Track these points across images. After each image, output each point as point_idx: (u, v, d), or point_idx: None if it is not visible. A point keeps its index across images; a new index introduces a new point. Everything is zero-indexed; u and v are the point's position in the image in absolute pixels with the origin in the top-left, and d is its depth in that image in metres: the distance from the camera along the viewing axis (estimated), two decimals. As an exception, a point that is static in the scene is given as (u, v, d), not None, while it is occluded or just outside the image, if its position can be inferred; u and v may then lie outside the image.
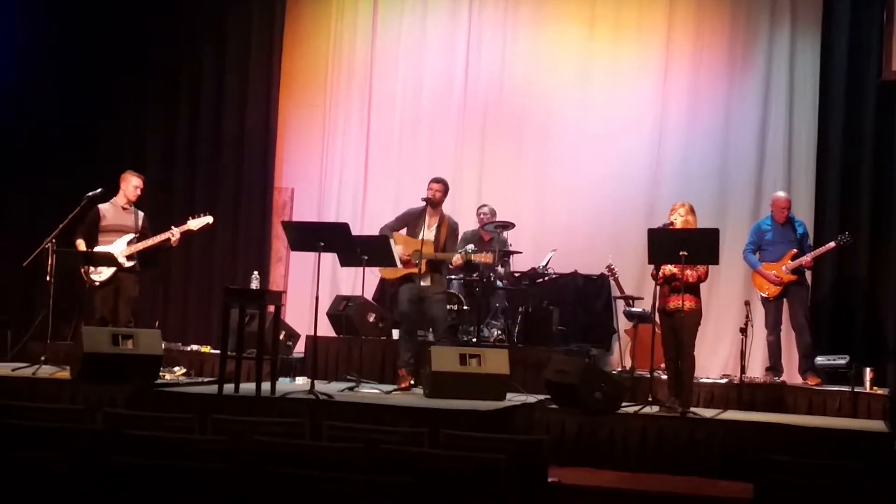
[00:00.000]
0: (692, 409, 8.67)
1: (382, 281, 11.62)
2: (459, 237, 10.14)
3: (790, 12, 11.53)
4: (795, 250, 10.20)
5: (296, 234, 9.47)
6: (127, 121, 12.69)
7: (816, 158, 11.21)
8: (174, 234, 10.01)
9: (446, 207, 10.03)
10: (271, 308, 9.50)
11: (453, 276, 10.79)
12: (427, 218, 9.76)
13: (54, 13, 12.45)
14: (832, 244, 10.25)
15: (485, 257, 9.82)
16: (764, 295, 10.31)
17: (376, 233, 9.93)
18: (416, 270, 9.50)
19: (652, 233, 8.76)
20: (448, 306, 10.13)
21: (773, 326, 10.31)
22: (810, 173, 11.24)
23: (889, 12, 10.58)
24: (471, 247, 10.00)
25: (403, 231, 9.81)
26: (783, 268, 10.18)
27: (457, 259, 9.64)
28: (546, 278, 11.19)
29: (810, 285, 10.54)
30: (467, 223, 11.09)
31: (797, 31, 11.50)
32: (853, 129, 11.04)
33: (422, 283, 9.61)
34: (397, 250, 9.58)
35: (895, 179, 10.88)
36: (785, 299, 10.28)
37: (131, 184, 10.19)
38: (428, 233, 9.71)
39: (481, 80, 12.47)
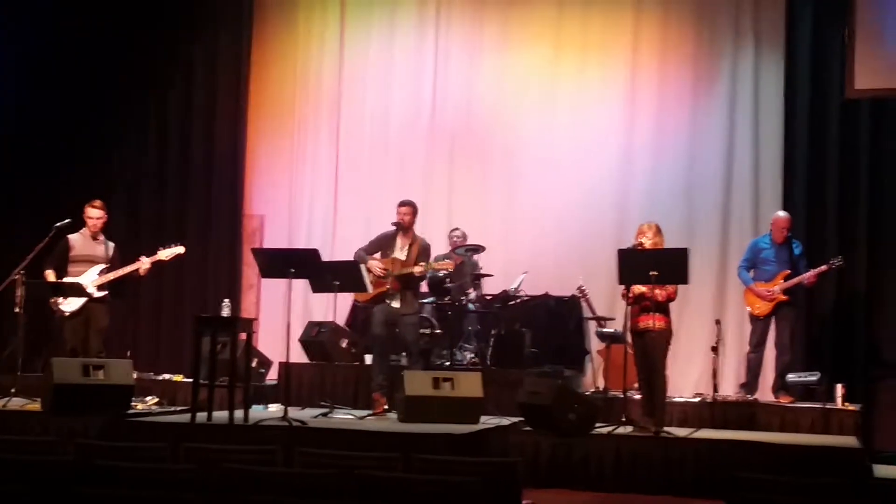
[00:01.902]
0: (665, 428, 8.69)
1: (355, 306, 11.63)
2: (431, 258, 10.13)
3: (753, 33, 11.62)
4: (788, 271, 10.19)
5: (266, 261, 9.46)
6: (96, 150, 12.65)
7: (783, 177, 11.28)
8: (143, 263, 9.97)
9: (418, 230, 10.02)
10: (243, 336, 9.46)
11: (426, 301, 10.79)
12: (399, 240, 9.78)
13: (25, 44, 12.39)
14: (824, 267, 10.19)
15: (444, 265, 9.78)
16: (754, 313, 10.29)
17: (348, 257, 9.93)
18: (386, 288, 9.52)
19: (622, 253, 8.80)
20: (421, 330, 10.13)
21: (756, 344, 10.29)
22: (777, 192, 11.29)
23: (850, 31, 10.69)
24: (434, 258, 10.01)
25: (378, 255, 9.80)
26: (775, 288, 10.16)
27: (419, 269, 9.59)
28: (517, 301, 11.19)
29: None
30: (438, 247, 11.09)
31: (761, 52, 11.59)
32: (818, 147, 11.11)
33: (393, 304, 9.63)
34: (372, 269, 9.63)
35: (861, 196, 10.97)
36: (773, 318, 10.27)
37: (87, 215, 10.14)
38: (400, 253, 9.72)
39: (449, 104, 12.50)
